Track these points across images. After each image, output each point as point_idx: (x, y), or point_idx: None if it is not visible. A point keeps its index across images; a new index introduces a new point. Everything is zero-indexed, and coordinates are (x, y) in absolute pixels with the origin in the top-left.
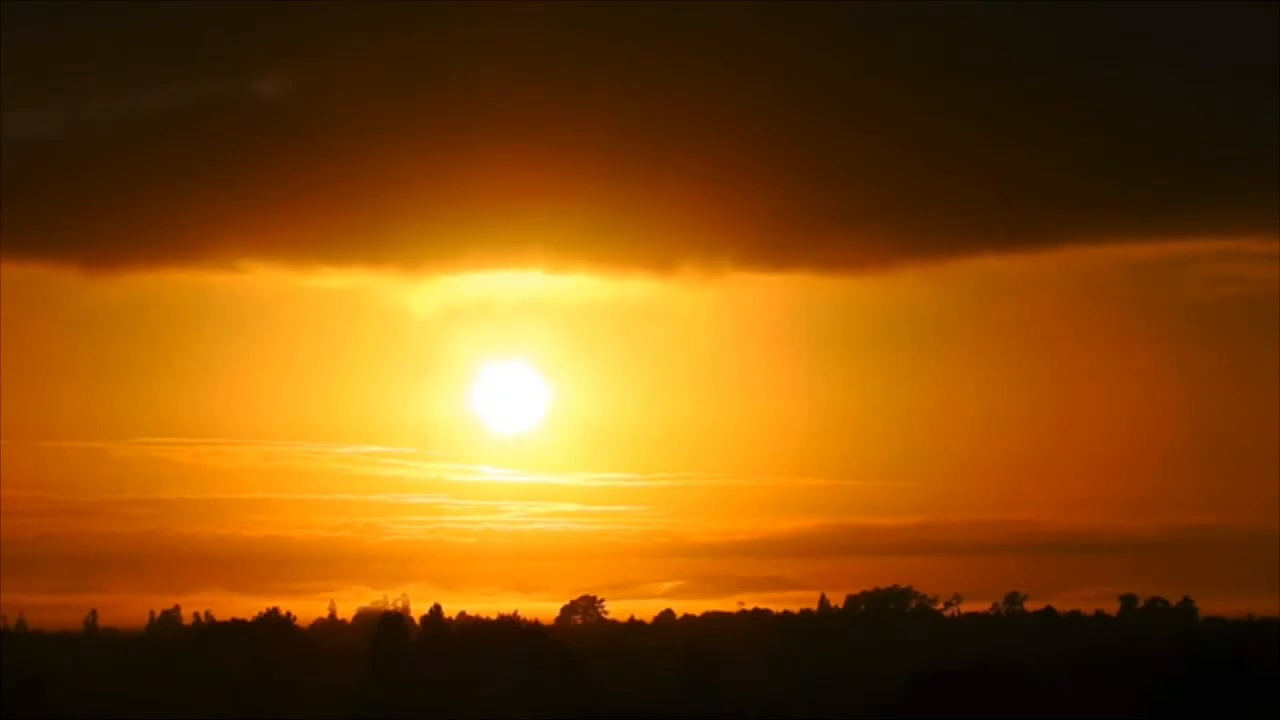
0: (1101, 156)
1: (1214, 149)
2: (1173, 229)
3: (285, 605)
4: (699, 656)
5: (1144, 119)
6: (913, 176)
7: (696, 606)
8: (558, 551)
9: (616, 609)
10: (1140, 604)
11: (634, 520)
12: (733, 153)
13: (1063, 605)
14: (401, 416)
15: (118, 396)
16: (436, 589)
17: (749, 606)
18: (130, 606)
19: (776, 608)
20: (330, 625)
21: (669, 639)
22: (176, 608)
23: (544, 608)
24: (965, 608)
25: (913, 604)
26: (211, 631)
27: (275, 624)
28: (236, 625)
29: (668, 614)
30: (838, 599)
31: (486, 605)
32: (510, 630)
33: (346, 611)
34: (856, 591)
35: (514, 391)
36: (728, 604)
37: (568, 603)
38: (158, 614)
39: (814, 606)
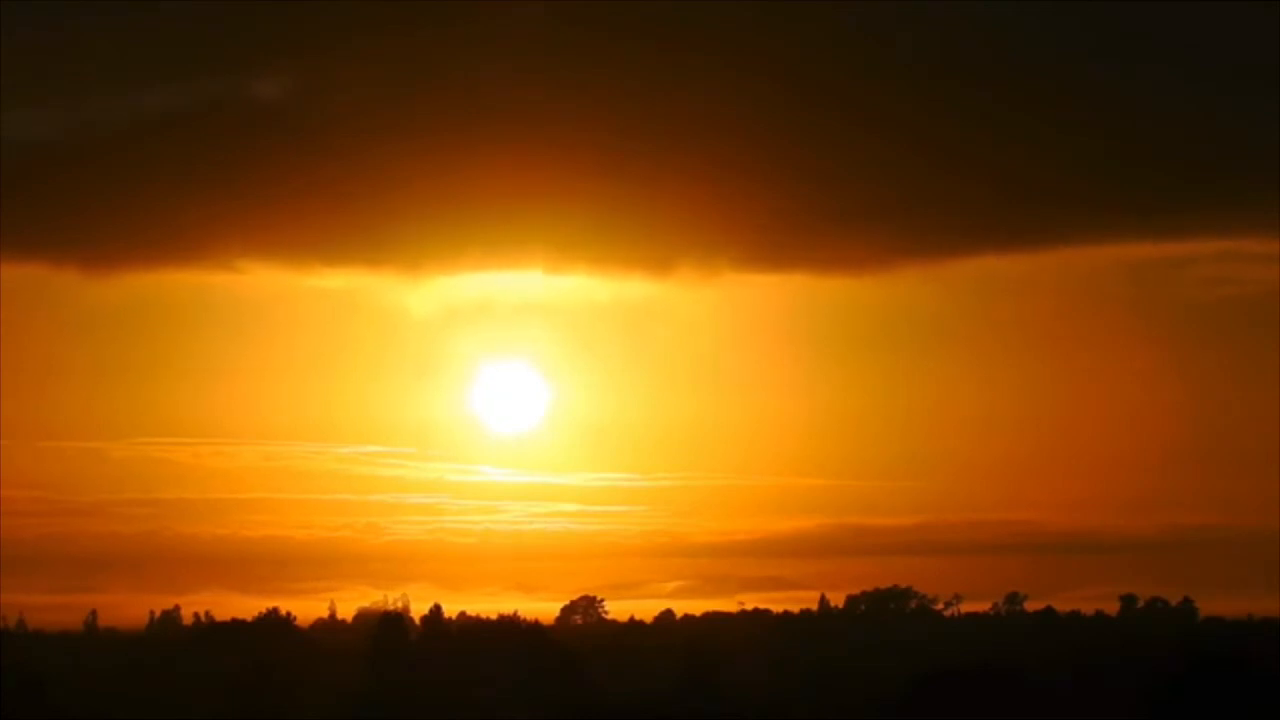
0: (1101, 156)
1: (1214, 149)
2: (1172, 229)
3: (285, 605)
4: (699, 656)
5: (1144, 119)
6: (913, 176)
7: (696, 606)
8: (558, 551)
9: (616, 609)
10: (1140, 604)
11: (634, 520)
12: (732, 153)
13: (1063, 605)
14: (401, 416)
15: (117, 396)
16: (436, 589)
17: (749, 606)
18: (130, 606)
19: (776, 608)
20: (330, 625)
21: (669, 639)
22: (176, 608)
23: (544, 608)
24: (965, 608)
25: (913, 604)
26: (211, 631)
27: (275, 624)
28: (236, 625)
29: (668, 614)
30: (838, 599)
31: (486, 605)
32: (510, 630)
33: (346, 611)
34: (856, 591)
35: (514, 391)
36: (728, 604)
37: (568, 603)
38: (158, 614)
39: (814, 606)
